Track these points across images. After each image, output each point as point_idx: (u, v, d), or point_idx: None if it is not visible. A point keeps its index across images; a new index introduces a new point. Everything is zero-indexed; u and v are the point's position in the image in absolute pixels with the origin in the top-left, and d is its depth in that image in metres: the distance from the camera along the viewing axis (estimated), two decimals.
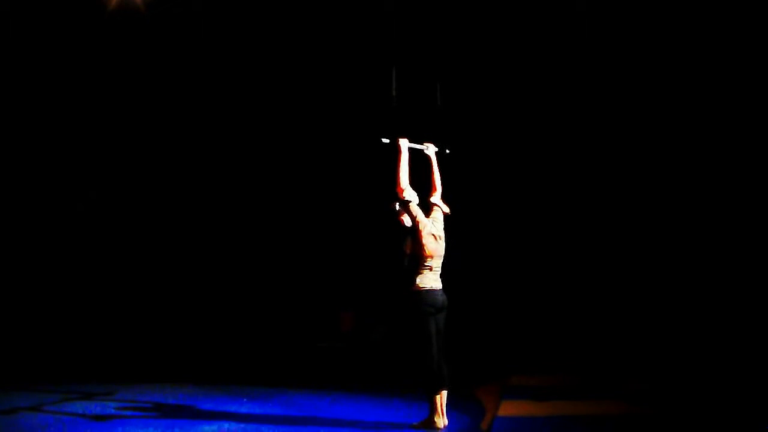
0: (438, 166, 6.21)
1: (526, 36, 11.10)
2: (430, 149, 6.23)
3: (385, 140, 5.97)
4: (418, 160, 6.10)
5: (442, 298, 5.77)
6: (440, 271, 5.84)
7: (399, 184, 5.82)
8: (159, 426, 5.92)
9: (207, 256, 12.53)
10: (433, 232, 5.79)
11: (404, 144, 5.95)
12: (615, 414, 6.16)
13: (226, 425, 5.92)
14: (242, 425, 5.92)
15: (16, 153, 11.97)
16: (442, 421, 5.68)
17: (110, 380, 8.14)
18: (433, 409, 5.68)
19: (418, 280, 5.71)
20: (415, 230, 5.75)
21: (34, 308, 11.65)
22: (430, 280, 5.74)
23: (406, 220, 5.84)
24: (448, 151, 6.32)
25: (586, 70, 11.11)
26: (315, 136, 12.12)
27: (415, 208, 5.80)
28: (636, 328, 10.42)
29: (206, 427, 5.86)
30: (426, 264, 5.72)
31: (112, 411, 6.47)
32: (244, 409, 6.56)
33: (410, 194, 5.83)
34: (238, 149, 12.52)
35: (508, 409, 6.39)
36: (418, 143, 6.15)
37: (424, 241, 5.70)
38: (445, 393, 5.71)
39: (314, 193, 12.28)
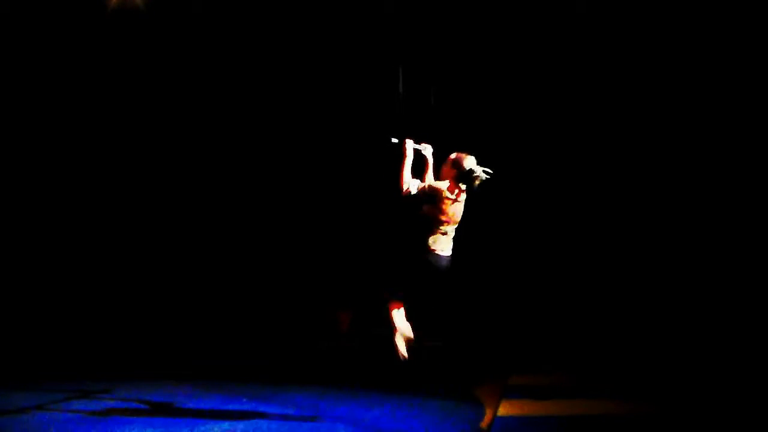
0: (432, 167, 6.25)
1: (518, 39, 11.13)
2: (428, 150, 6.25)
3: (395, 140, 6.00)
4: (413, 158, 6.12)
5: (446, 262, 5.79)
6: (453, 235, 5.87)
7: (402, 186, 5.86)
8: (158, 425, 5.91)
9: (207, 255, 12.53)
10: (449, 196, 5.79)
11: (409, 146, 6.00)
12: (615, 414, 6.16)
13: (226, 425, 5.91)
14: (242, 425, 5.91)
15: (16, 152, 11.98)
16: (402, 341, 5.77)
17: (108, 378, 8.13)
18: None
19: (430, 241, 5.74)
20: (433, 194, 5.75)
21: (32, 306, 11.65)
22: (443, 242, 5.78)
23: (420, 193, 5.81)
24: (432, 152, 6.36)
25: (578, 72, 11.15)
26: (314, 136, 12.11)
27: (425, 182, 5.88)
28: (636, 327, 10.43)
29: (206, 427, 5.85)
30: (441, 229, 5.75)
31: (110, 409, 6.46)
32: (244, 409, 6.55)
33: (412, 185, 5.88)
34: (239, 148, 12.51)
35: (508, 409, 6.38)
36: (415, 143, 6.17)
37: (442, 206, 5.72)
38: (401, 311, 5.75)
39: (313, 193, 12.28)
